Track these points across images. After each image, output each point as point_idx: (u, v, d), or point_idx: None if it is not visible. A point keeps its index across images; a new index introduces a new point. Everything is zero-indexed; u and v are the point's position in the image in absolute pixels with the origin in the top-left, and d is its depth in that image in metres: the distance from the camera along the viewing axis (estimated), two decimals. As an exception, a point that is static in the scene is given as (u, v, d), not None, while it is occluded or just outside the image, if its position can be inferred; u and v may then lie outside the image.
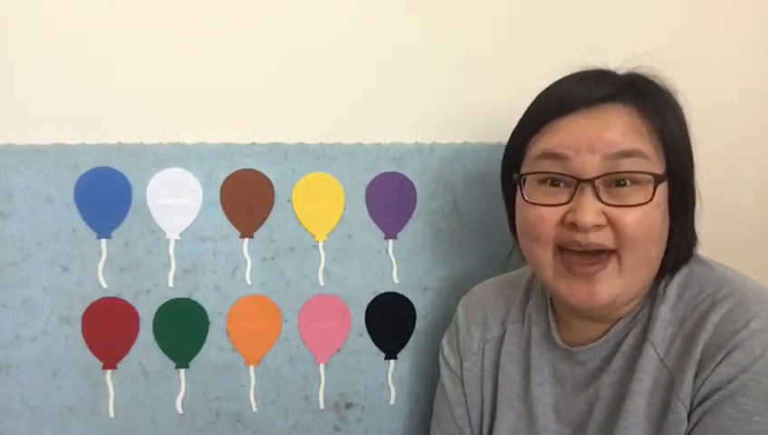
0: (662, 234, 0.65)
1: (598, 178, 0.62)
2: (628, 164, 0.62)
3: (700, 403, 0.60)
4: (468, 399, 0.82)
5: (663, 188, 0.64)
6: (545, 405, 0.73)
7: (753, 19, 1.06)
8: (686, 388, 0.61)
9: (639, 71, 0.69)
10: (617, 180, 0.63)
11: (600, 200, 0.62)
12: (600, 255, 0.64)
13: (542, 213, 0.65)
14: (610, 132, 0.63)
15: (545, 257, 0.67)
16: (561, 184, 0.65)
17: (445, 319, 0.97)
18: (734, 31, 1.05)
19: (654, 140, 0.64)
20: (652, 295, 0.68)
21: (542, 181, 0.66)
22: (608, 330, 0.69)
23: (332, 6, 0.95)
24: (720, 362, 0.60)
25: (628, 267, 0.63)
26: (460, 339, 0.84)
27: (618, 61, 0.71)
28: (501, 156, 0.97)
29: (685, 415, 0.61)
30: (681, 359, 0.63)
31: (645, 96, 0.66)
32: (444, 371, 0.86)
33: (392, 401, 0.97)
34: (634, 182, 0.63)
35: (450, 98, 0.99)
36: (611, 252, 0.63)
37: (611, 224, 0.62)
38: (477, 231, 0.98)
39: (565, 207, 0.64)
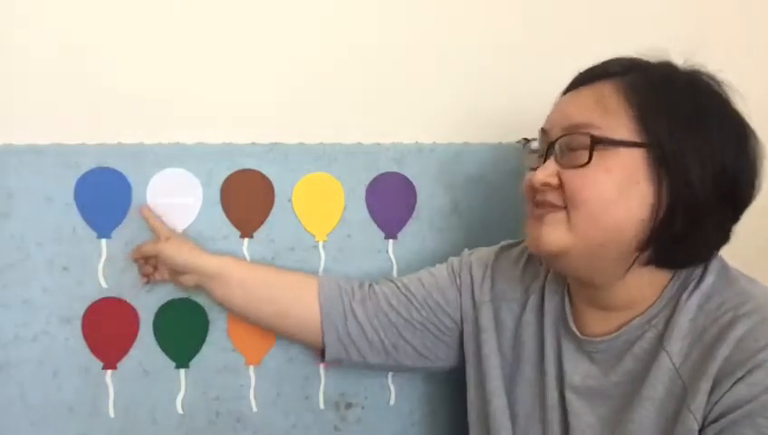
0: (623, 202, 0.63)
1: (555, 141, 0.68)
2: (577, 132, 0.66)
3: (715, 420, 0.59)
4: (466, 335, 0.83)
5: (624, 157, 0.63)
6: (553, 383, 0.73)
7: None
8: (699, 401, 0.60)
9: (664, 57, 0.69)
10: (570, 144, 0.66)
11: (559, 163, 0.67)
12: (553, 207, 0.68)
13: (526, 177, 0.72)
14: (571, 107, 0.68)
15: (526, 213, 0.73)
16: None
17: (445, 319, 0.97)
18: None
19: (627, 113, 0.64)
20: (672, 303, 0.67)
21: (535, 151, 0.74)
22: (620, 326, 0.69)
23: (332, 7, 0.95)
24: (739, 379, 0.58)
25: (577, 224, 0.65)
26: (486, 279, 0.84)
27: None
28: (501, 156, 0.98)
29: (695, 428, 0.60)
30: (697, 371, 0.62)
31: (639, 76, 0.66)
32: (450, 264, 0.88)
33: (392, 401, 0.97)
34: (585, 148, 0.64)
35: (450, 98, 0.99)
36: (562, 208, 0.67)
37: (561, 185, 0.66)
38: (477, 231, 0.98)
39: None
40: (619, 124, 0.64)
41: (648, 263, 0.67)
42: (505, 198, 0.99)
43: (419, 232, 0.97)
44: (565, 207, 0.66)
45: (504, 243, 0.88)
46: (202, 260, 0.85)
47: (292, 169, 0.93)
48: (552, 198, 0.67)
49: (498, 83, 1.00)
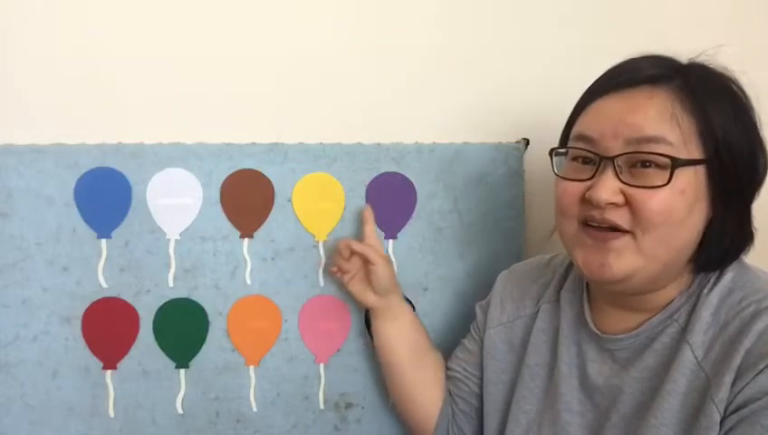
0: (690, 221, 0.63)
1: (618, 156, 0.63)
2: (649, 148, 0.62)
3: (736, 410, 0.60)
4: (486, 370, 0.83)
5: (693, 176, 0.63)
6: (570, 385, 0.73)
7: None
8: (723, 393, 0.61)
9: (699, 59, 0.68)
10: (642, 162, 0.63)
11: (620, 179, 0.63)
12: (616, 231, 0.64)
13: (567, 187, 0.67)
14: (635, 116, 0.63)
15: (569, 229, 0.68)
16: (591, 163, 0.66)
17: (445, 319, 0.97)
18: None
19: (690, 126, 0.63)
20: (694, 298, 0.67)
21: (575, 158, 0.68)
22: (641, 323, 0.69)
23: (332, 7, 0.95)
24: (761, 371, 0.59)
25: (647, 248, 0.63)
26: (491, 308, 0.85)
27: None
28: (501, 156, 0.98)
29: (718, 419, 0.61)
30: (720, 364, 0.62)
31: (691, 83, 0.64)
32: (471, 327, 0.89)
33: (392, 402, 0.97)
34: (659, 166, 0.62)
35: (450, 98, 0.99)
36: (627, 232, 0.64)
37: (629, 204, 0.63)
38: (477, 231, 0.98)
39: (587, 184, 0.65)
40: (689, 140, 0.63)
41: (691, 269, 0.68)
42: (505, 197, 0.99)
43: (419, 232, 0.97)
44: (630, 230, 0.63)
45: (501, 274, 0.89)
46: (399, 297, 0.90)
47: (292, 169, 0.93)
48: (618, 217, 0.63)
49: (498, 84, 1.00)
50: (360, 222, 0.93)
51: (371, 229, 0.91)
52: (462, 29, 0.99)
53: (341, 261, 0.89)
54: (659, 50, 0.68)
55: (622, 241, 0.64)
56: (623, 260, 0.64)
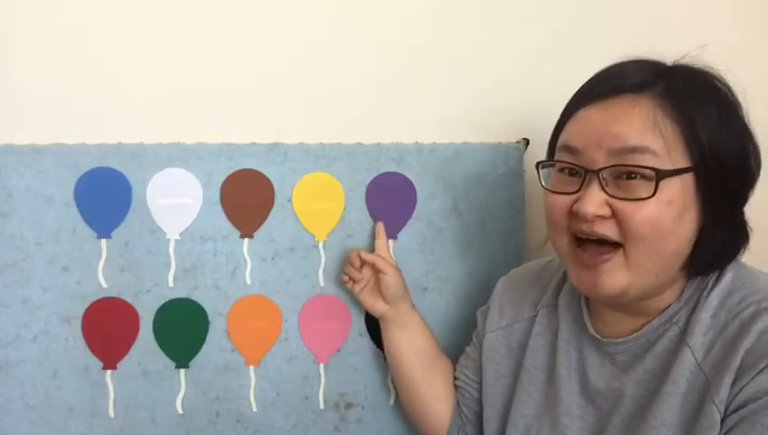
0: (680, 230, 0.63)
1: (603, 169, 0.63)
2: (633, 159, 0.62)
3: (736, 410, 0.60)
4: (486, 373, 0.83)
5: (679, 185, 0.62)
6: (570, 390, 0.73)
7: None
8: (723, 394, 0.61)
9: (684, 62, 0.67)
10: (627, 173, 0.62)
11: (606, 192, 0.63)
12: (605, 245, 0.64)
13: (556, 200, 0.67)
14: (618, 126, 0.63)
15: (561, 243, 0.68)
16: (578, 175, 0.66)
17: (444, 319, 0.97)
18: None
19: (675, 134, 0.62)
20: (693, 301, 0.67)
21: (561, 170, 0.68)
22: (641, 326, 0.69)
23: (332, 7, 0.95)
24: (761, 371, 0.59)
25: (637, 261, 0.63)
26: (490, 312, 0.86)
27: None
28: (501, 156, 0.98)
29: (718, 420, 0.61)
30: (720, 365, 0.62)
31: (674, 87, 0.63)
32: (473, 334, 0.89)
33: (392, 401, 0.97)
34: (644, 177, 0.62)
35: (450, 98, 0.99)
36: (618, 245, 0.64)
37: (616, 216, 0.63)
38: (477, 231, 0.98)
39: (574, 197, 0.65)
40: (674, 148, 0.62)
41: (686, 274, 0.68)
42: (505, 197, 0.99)
43: (419, 232, 0.97)
44: (620, 244, 0.63)
45: (500, 280, 0.89)
46: (409, 306, 0.91)
47: (292, 168, 0.93)
48: (606, 229, 0.63)
49: (498, 84, 1.00)
50: (372, 235, 0.95)
51: (383, 242, 0.93)
52: (462, 29, 0.99)
53: (353, 271, 0.90)
54: (659, 50, 0.68)
55: (612, 262, 0.64)
56: (614, 278, 0.64)
